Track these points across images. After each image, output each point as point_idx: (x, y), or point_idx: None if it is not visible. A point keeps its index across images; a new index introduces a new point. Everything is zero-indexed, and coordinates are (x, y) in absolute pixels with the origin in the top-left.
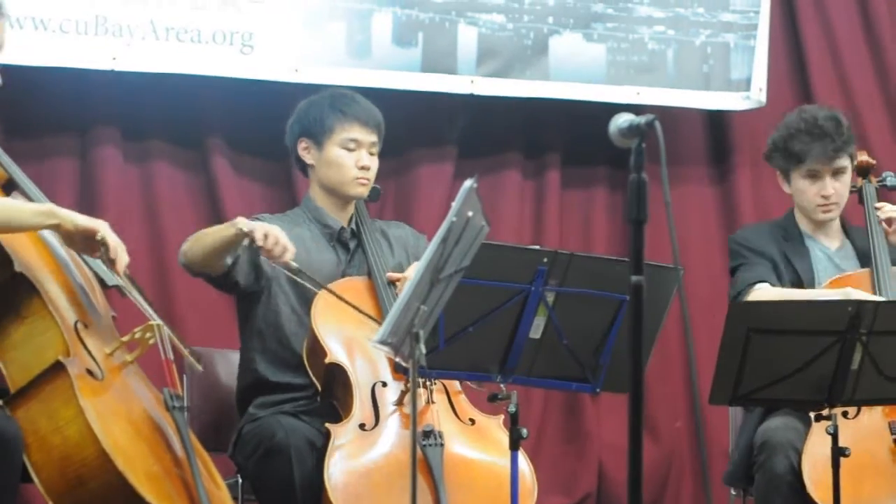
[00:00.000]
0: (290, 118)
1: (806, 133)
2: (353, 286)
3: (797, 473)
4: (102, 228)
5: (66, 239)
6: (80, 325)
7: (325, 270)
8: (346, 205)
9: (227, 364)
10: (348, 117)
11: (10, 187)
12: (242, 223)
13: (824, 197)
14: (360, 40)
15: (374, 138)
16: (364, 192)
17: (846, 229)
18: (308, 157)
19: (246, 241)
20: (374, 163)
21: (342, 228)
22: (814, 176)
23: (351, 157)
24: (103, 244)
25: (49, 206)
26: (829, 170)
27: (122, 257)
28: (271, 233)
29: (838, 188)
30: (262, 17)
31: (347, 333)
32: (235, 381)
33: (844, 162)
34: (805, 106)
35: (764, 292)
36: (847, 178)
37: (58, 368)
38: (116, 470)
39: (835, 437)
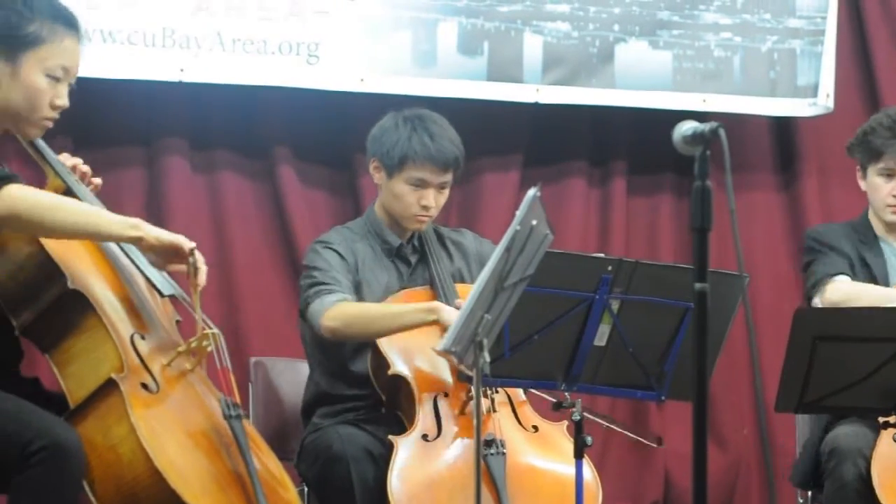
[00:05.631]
0: (374, 128)
1: (888, 129)
2: (415, 296)
3: (866, 481)
4: (190, 243)
5: (146, 250)
6: (136, 337)
7: (383, 285)
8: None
9: (292, 374)
10: (420, 157)
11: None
12: (446, 315)
13: (895, 197)
14: (425, 49)
15: (445, 178)
16: (421, 227)
17: None
18: (376, 177)
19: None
20: (441, 199)
21: (401, 245)
22: (889, 174)
23: (415, 195)
24: (192, 255)
25: (135, 220)
26: None
27: (204, 270)
28: None
29: None
30: (328, 28)
31: (409, 344)
32: (298, 391)
33: None
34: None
35: (844, 285)
36: None
37: (110, 385)
38: (169, 487)
39: None
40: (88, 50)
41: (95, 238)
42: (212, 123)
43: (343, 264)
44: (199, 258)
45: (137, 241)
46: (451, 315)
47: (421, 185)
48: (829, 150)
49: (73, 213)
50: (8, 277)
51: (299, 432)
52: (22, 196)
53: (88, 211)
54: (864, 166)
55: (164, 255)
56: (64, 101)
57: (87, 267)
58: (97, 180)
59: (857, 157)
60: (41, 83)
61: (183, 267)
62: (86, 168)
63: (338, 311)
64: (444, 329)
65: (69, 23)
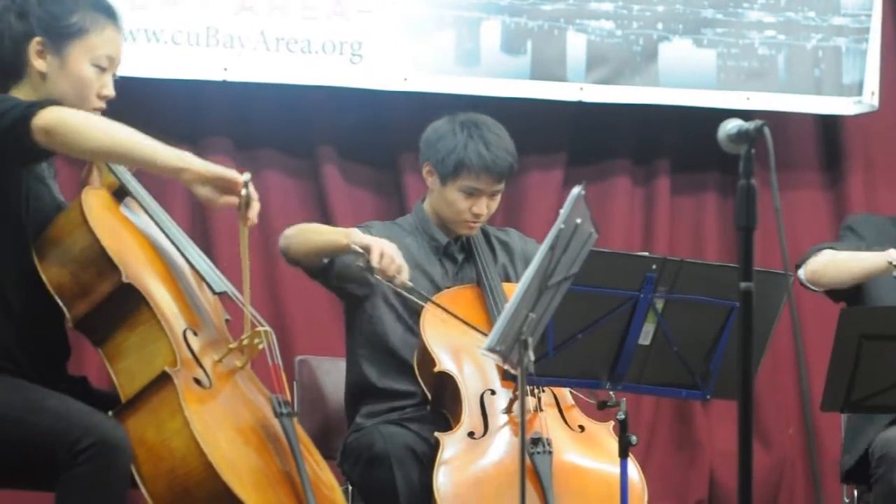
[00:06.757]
0: (428, 129)
1: None
2: (462, 295)
3: None
4: (244, 176)
5: (192, 184)
6: (189, 333)
7: (431, 282)
8: None
9: (337, 372)
10: (475, 167)
11: (121, 194)
12: (357, 237)
13: None
14: (468, 48)
15: (498, 187)
16: (471, 233)
17: None
18: (429, 181)
19: (361, 262)
20: (493, 205)
21: (449, 243)
22: None
23: (467, 203)
24: (246, 188)
25: (183, 152)
26: None
27: (256, 206)
28: (387, 252)
29: None
30: (371, 27)
31: (456, 342)
32: (342, 389)
33: None
34: None
35: (825, 255)
36: None
37: (164, 379)
38: (222, 481)
39: None
40: (133, 50)
41: (141, 163)
42: (256, 122)
43: None
44: (254, 192)
45: (181, 173)
46: (362, 238)
47: (474, 193)
48: (874, 148)
49: (123, 133)
50: (63, 270)
51: (343, 431)
52: (72, 111)
53: (138, 136)
54: None
55: (216, 189)
56: (110, 90)
57: (140, 262)
58: None
59: None
60: (89, 73)
61: (235, 199)
62: None
63: (294, 228)
64: (353, 250)
65: (109, 12)
